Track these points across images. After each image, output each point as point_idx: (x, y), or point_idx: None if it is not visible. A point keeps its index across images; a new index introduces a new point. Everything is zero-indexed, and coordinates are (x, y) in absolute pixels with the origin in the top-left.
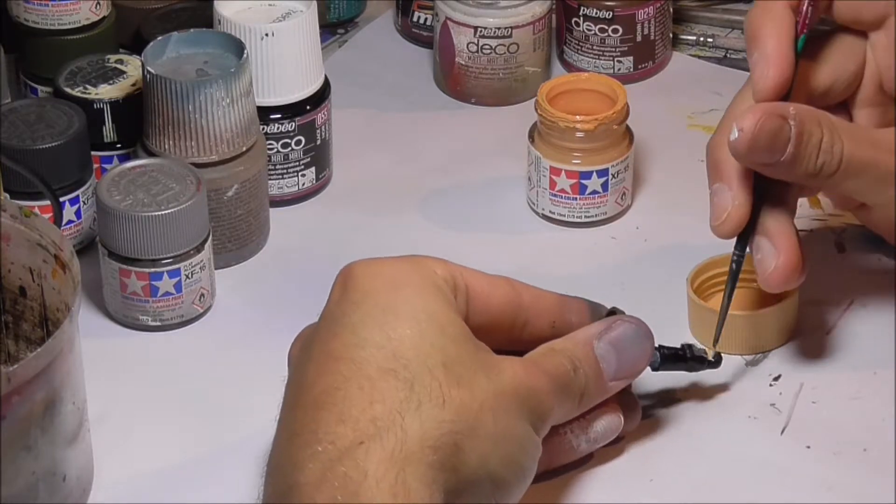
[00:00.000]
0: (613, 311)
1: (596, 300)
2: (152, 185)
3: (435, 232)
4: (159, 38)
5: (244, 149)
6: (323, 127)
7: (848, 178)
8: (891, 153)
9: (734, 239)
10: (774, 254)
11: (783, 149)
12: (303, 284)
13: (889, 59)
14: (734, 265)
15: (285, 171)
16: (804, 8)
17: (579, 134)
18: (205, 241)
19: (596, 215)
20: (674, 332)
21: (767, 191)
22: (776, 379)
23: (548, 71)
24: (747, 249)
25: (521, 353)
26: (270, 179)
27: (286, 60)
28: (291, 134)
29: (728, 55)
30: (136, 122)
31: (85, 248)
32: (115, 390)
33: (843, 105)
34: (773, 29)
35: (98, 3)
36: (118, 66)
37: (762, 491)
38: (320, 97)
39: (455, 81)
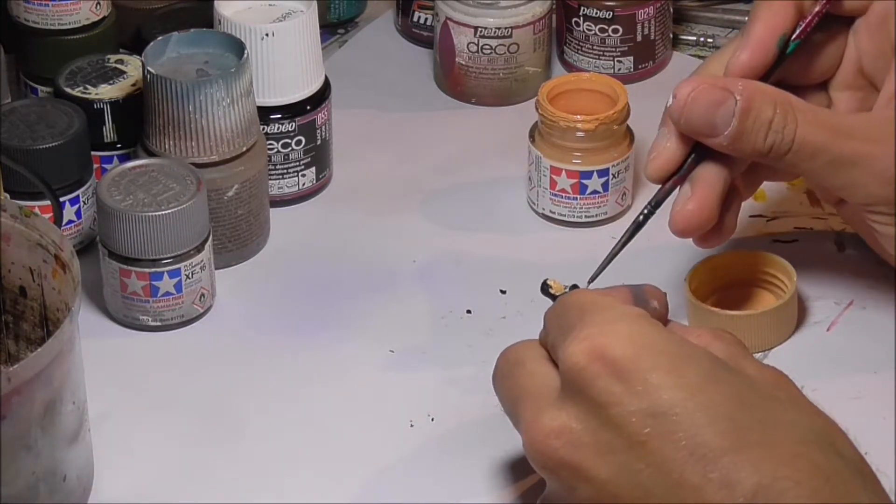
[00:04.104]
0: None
1: None
2: (152, 185)
3: (435, 232)
4: (159, 38)
5: (244, 149)
6: (323, 127)
7: (802, 161)
8: (850, 139)
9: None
10: (687, 198)
11: (725, 123)
12: (303, 284)
13: (869, 44)
14: (640, 216)
15: (285, 171)
16: (810, 17)
17: (580, 134)
18: (205, 241)
19: (596, 215)
20: None
21: (712, 152)
22: None
23: (548, 71)
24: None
25: None
26: (270, 179)
27: (286, 60)
28: (292, 134)
29: None
30: (136, 122)
31: (85, 248)
32: (115, 390)
33: (823, 87)
34: (765, 18)
35: (98, 3)
36: (118, 66)
37: None
38: (320, 97)
39: (455, 81)
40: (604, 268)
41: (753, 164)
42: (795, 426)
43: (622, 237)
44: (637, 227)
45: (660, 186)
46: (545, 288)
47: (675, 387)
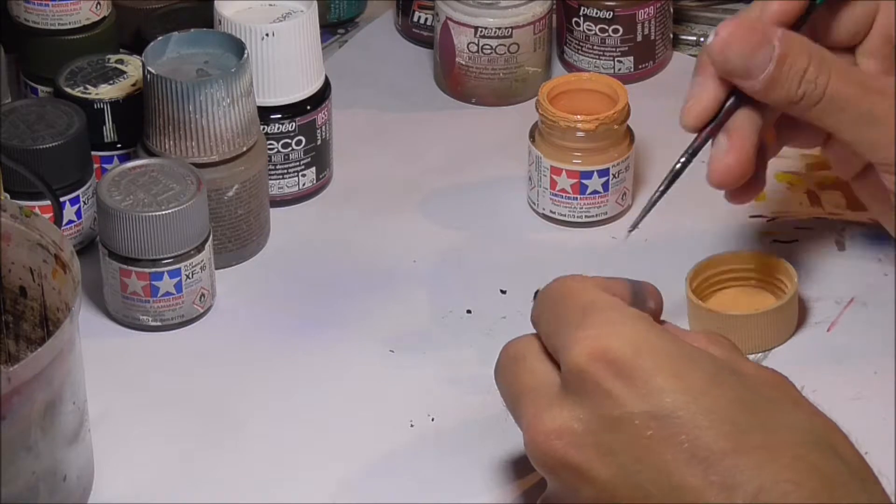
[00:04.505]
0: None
1: None
2: (153, 185)
3: (435, 232)
4: (160, 38)
5: (244, 149)
6: (323, 127)
7: (830, 114)
8: (880, 95)
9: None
10: (726, 151)
11: (762, 67)
12: (303, 284)
13: None
14: (678, 164)
15: (286, 171)
16: None
17: (580, 134)
18: (205, 241)
19: (596, 215)
20: None
21: (747, 102)
22: None
23: (548, 71)
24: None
25: None
26: (271, 179)
27: (286, 60)
28: (292, 134)
29: None
30: (136, 122)
31: (85, 248)
32: (116, 390)
33: (850, 51)
34: None
35: (98, 3)
36: (118, 66)
37: None
38: (321, 97)
39: (455, 81)
40: (642, 218)
41: (781, 122)
42: (796, 429)
43: (660, 186)
44: (675, 175)
45: (695, 136)
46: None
47: (678, 390)
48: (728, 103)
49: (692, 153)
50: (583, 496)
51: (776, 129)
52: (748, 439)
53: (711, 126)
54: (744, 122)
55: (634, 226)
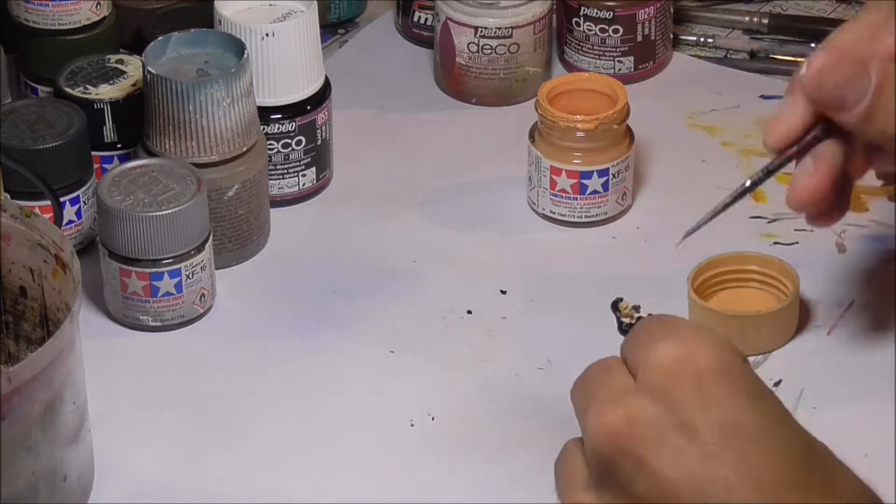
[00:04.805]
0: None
1: (596, 300)
2: (153, 185)
3: (435, 232)
4: (160, 38)
5: (244, 149)
6: (323, 127)
7: None
8: None
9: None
10: (810, 174)
11: (858, 99)
12: (303, 284)
13: None
14: (747, 182)
15: (286, 171)
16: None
17: (580, 134)
18: (205, 241)
19: (596, 215)
20: None
21: (835, 130)
22: (777, 384)
23: (548, 71)
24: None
25: None
26: (271, 179)
27: (286, 60)
28: (292, 134)
29: (728, 55)
30: (136, 122)
31: (85, 248)
32: (116, 390)
33: None
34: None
35: (98, 3)
36: (118, 66)
37: None
38: (321, 97)
39: (455, 81)
40: (700, 227)
41: (867, 150)
42: (852, 487)
43: (727, 198)
44: (744, 190)
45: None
46: (615, 304)
47: (758, 412)
48: (815, 131)
49: (767, 172)
50: (638, 489)
51: (863, 150)
52: (811, 479)
53: (794, 149)
54: (832, 150)
55: (689, 233)
